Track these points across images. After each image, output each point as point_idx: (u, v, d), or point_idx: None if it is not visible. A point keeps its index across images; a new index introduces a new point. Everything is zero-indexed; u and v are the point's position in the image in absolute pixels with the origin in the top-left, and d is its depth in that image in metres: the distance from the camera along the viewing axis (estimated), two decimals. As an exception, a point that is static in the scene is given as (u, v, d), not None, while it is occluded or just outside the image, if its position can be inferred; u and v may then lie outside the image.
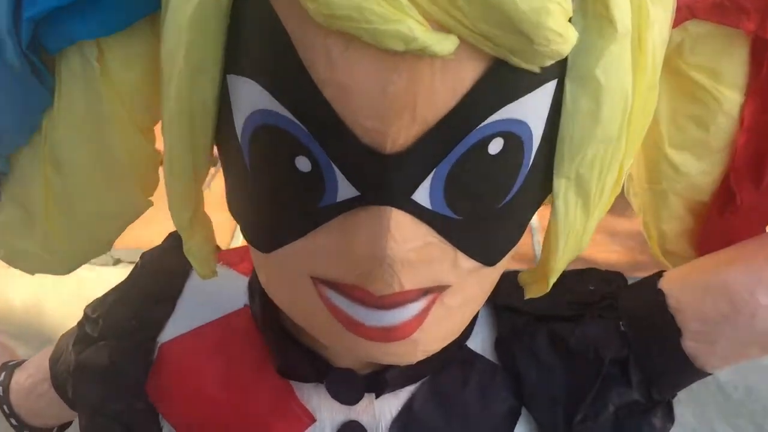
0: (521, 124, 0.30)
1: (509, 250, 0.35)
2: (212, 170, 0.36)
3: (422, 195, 0.30)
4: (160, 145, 0.37)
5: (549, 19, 0.26)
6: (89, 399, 0.47)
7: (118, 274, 0.53)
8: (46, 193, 0.39)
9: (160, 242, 0.52)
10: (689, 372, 0.42)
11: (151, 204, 0.42)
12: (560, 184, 0.33)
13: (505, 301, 0.46)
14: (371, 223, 0.29)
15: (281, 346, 0.43)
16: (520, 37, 0.26)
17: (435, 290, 0.33)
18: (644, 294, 0.44)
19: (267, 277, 0.37)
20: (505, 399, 0.44)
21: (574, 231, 0.35)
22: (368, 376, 0.42)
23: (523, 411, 0.44)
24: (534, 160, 0.31)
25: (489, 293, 0.37)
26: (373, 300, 0.32)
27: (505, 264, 0.36)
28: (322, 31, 0.27)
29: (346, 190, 0.30)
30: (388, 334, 0.33)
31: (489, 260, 0.34)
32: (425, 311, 0.33)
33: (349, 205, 0.30)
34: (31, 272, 0.46)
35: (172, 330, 0.46)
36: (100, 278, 0.52)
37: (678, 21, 0.36)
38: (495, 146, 0.29)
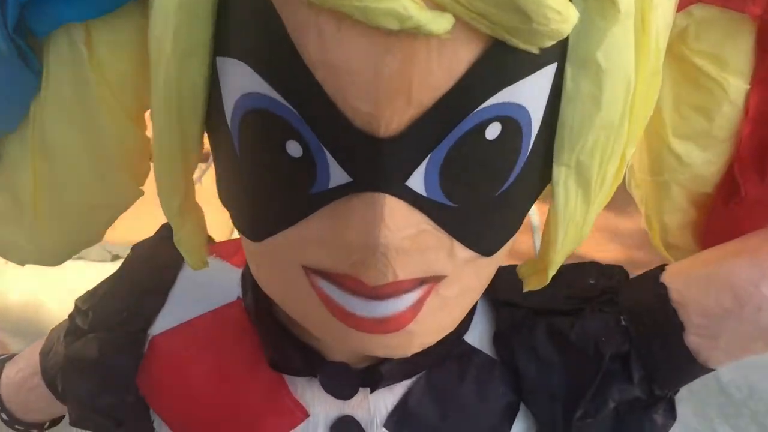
0: (520, 108, 0.29)
1: (507, 241, 0.34)
2: (202, 165, 0.36)
3: (417, 181, 0.29)
4: (150, 132, 0.36)
5: None
6: (79, 392, 0.46)
7: (116, 271, 0.52)
8: (34, 181, 0.38)
9: (157, 237, 0.52)
10: (692, 367, 0.41)
11: (141, 193, 0.41)
12: (560, 172, 0.32)
13: (503, 295, 0.45)
14: (364, 210, 0.29)
15: (274, 338, 0.42)
16: (518, 15, 0.25)
17: (430, 280, 0.32)
18: (646, 288, 0.43)
19: (258, 267, 0.37)
20: (503, 394, 0.43)
21: (574, 221, 0.34)
22: (363, 370, 0.42)
23: (522, 407, 0.43)
24: (533, 146, 0.30)
25: (486, 285, 0.37)
26: (367, 290, 0.31)
27: (503, 255, 0.35)
28: (313, 10, 0.26)
29: (338, 176, 0.29)
30: (382, 326, 0.32)
31: (486, 250, 0.33)
32: (420, 302, 0.32)
33: (342, 191, 0.29)
34: (21, 263, 0.45)
35: (163, 322, 0.45)
36: (97, 274, 0.51)
37: (682, 5, 0.35)
38: (492, 131, 0.28)
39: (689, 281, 0.41)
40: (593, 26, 0.28)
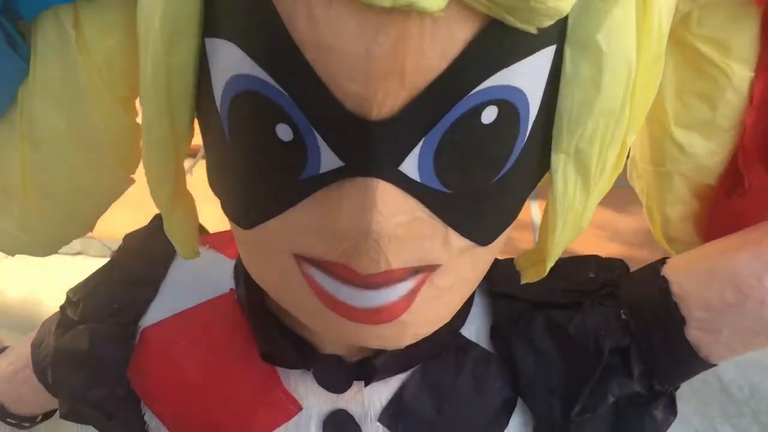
0: (517, 91, 0.28)
1: (503, 230, 0.33)
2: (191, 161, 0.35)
3: (410, 166, 0.28)
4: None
5: None
6: (69, 385, 0.45)
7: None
8: (23, 168, 0.38)
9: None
10: (693, 362, 0.40)
11: (132, 182, 0.40)
12: (558, 160, 0.31)
13: (501, 288, 0.44)
14: (356, 196, 0.28)
15: (266, 330, 0.42)
16: None
17: (424, 270, 0.31)
18: (647, 281, 0.42)
19: (249, 256, 0.36)
20: (500, 389, 0.42)
21: (573, 210, 0.33)
22: (357, 363, 0.41)
23: (519, 401, 0.42)
24: (531, 132, 0.30)
25: (483, 276, 0.36)
26: (359, 279, 0.30)
27: (500, 245, 0.35)
28: None
29: (329, 160, 0.28)
30: (375, 316, 0.32)
31: (482, 239, 0.32)
32: (414, 292, 0.31)
33: (333, 177, 0.28)
34: (11, 253, 0.44)
35: (154, 314, 0.45)
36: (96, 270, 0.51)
37: (686, -12, 0.34)
38: (489, 115, 0.28)
39: (691, 274, 0.40)
40: (593, 7, 0.28)
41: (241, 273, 0.43)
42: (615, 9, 0.28)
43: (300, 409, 0.41)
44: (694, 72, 0.37)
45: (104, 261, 0.50)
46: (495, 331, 0.43)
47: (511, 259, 0.39)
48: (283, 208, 0.30)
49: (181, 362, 0.43)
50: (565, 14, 0.26)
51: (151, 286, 0.46)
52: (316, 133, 0.28)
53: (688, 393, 1.38)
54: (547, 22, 0.26)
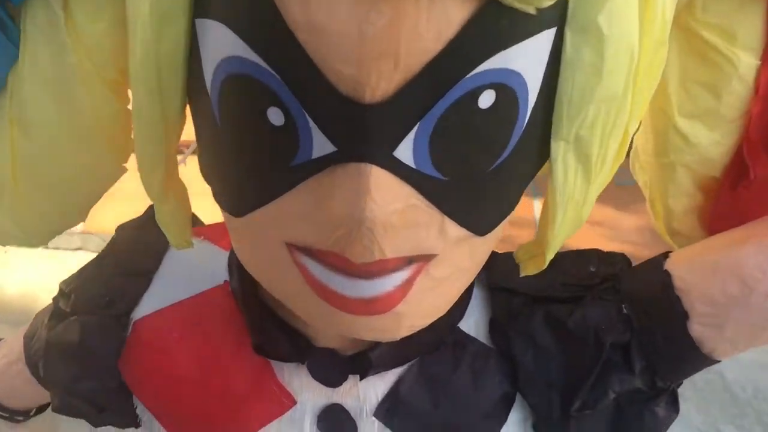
0: (516, 75, 0.27)
1: (501, 220, 0.32)
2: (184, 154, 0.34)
3: (405, 152, 0.27)
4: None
5: None
6: (60, 377, 0.45)
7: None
8: (12, 157, 0.37)
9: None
10: (695, 358, 0.39)
11: (124, 170, 0.40)
12: (558, 148, 0.30)
13: (500, 281, 0.43)
14: (349, 182, 0.27)
15: (259, 322, 0.41)
16: None
17: (420, 259, 0.31)
18: (649, 275, 0.41)
19: (241, 245, 0.35)
20: (499, 384, 0.41)
21: (573, 200, 0.32)
22: (352, 356, 0.40)
23: (518, 397, 0.42)
24: (530, 118, 0.29)
25: (480, 267, 0.35)
26: (352, 268, 0.29)
27: (498, 236, 0.34)
28: None
29: (321, 145, 0.27)
30: (369, 306, 0.31)
31: (479, 229, 0.31)
32: (409, 282, 0.31)
33: (325, 162, 0.28)
34: (2, 244, 0.44)
35: (147, 306, 0.44)
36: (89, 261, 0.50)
37: (690, -27, 0.34)
38: (486, 99, 0.27)
39: (694, 268, 0.39)
40: None
41: (234, 264, 0.43)
42: None
43: (294, 403, 0.41)
44: (698, 60, 0.36)
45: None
46: (494, 326, 0.43)
47: (511, 253, 0.38)
48: (275, 195, 0.30)
49: (173, 354, 0.42)
50: None
51: (143, 278, 0.45)
52: (308, 117, 0.27)
53: (690, 392, 1.38)
54: (546, 2, 0.25)
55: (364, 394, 0.41)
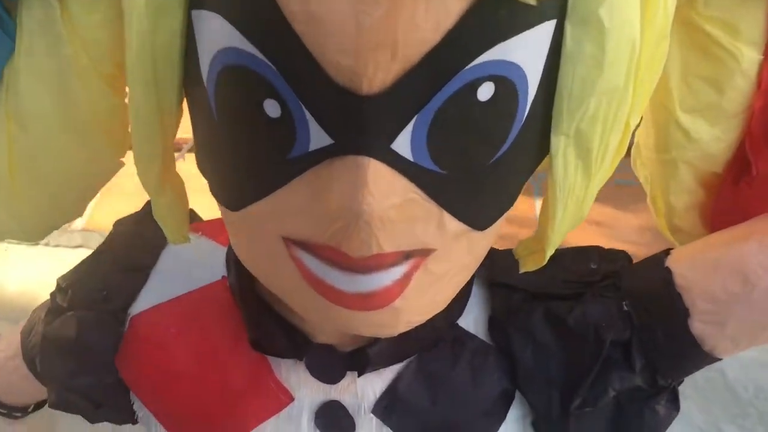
0: (515, 67, 0.27)
1: (500, 215, 0.32)
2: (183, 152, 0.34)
3: (403, 144, 0.27)
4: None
5: None
6: (56, 373, 0.45)
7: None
8: (9, 152, 0.37)
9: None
10: (696, 356, 0.39)
11: (122, 165, 0.40)
12: (559, 142, 0.30)
13: (500, 278, 0.43)
14: (346, 175, 0.27)
15: (256, 317, 0.41)
16: None
17: (418, 254, 0.30)
18: (650, 272, 0.41)
19: (237, 240, 0.35)
20: (498, 381, 0.41)
21: (573, 195, 0.32)
22: (350, 352, 0.40)
23: (518, 394, 0.41)
24: (530, 111, 0.28)
25: (479, 263, 0.35)
26: (349, 262, 0.29)
27: (497, 231, 0.33)
28: None
29: (318, 137, 0.27)
30: (367, 302, 0.30)
31: (478, 224, 0.31)
32: (407, 277, 0.30)
33: (323, 155, 0.27)
34: (-1, 239, 0.44)
35: (144, 301, 0.44)
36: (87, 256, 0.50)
37: (692, -34, 0.33)
38: (485, 91, 0.26)
39: (695, 265, 0.39)
40: None
41: (232, 259, 0.42)
42: None
43: (292, 399, 0.40)
44: (700, 54, 0.36)
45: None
46: (493, 322, 0.42)
47: (511, 249, 0.38)
48: (271, 188, 0.29)
49: (170, 350, 0.42)
50: None
51: (141, 273, 0.45)
52: (304, 108, 0.26)
53: (692, 392, 1.37)
54: None
55: (362, 391, 0.40)
